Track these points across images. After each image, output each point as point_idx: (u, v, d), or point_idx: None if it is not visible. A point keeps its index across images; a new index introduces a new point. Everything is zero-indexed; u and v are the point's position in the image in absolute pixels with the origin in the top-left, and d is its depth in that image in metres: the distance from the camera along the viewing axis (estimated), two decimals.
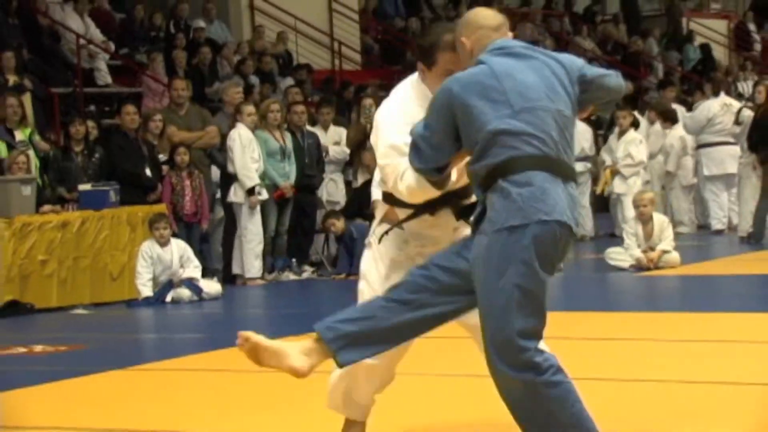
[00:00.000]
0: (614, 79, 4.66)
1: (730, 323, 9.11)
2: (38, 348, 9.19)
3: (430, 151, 4.50)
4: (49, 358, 8.78)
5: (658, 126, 17.08)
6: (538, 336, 4.50)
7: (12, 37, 16.00)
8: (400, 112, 4.85)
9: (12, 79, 14.46)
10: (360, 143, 13.98)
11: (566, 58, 4.60)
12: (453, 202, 4.85)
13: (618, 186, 15.74)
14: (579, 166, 16.27)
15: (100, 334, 10.20)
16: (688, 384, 6.73)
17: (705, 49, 26.58)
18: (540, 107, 4.38)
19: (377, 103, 15.87)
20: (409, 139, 4.58)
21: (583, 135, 16.54)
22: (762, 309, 9.88)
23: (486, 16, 4.57)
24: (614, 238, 15.58)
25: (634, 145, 15.76)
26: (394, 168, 4.75)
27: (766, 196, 14.70)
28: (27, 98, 13.53)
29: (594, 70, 4.64)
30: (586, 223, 16.64)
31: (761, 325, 8.96)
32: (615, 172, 15.79)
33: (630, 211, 13.70)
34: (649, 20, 28.00)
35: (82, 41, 16.91)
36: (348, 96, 17.55)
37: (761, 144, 14.63)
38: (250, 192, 12.99)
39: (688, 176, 16.94)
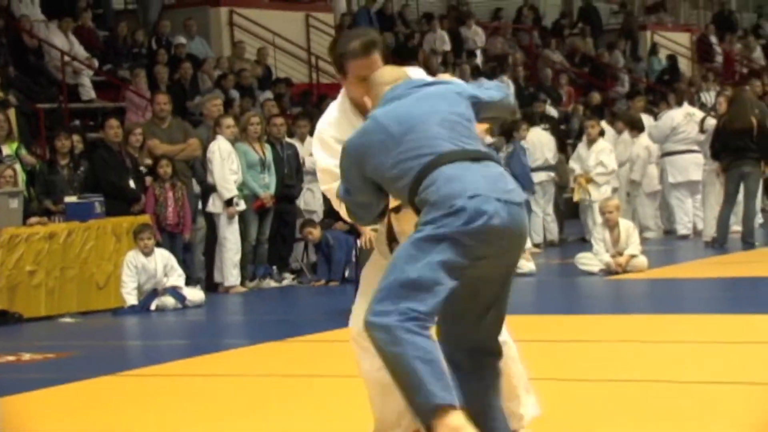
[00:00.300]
0: (503, 100, 4.82)
1: (695, 325, 9.15)
2: (27, 356, 9.16)
3: (361, 211, 4.66)
4: (37, 366, 8.75)
5: (626, 135, 17.17)
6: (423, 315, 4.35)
7: None
8: (328, 130, 4.98)
9: None
10: None
11: (455, 82, 4.82)
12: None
13: (591, 193, 15.84)
14: (542, 176, 16.36)
15: (87, 342, 10.17)
16: (656, 383, 6.75)
17: (670, 60, 26.72)
18: (419, 122, 4.47)
19: None
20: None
21: (546, 145, 16.67)
22: (726, 311, 9.94)
23: (383, 74, 4.77)
24: (585, 243, 15.64)
25: (605, 154, 15.88)
26: (331, 193, 4.88)
27: (729, 202, 14.79)
28: (12, 113, 13.50)
29: (486, 94, 4.77)
30: (553, 229, 16.75)
31: (725, 326, 9.00)
32: (588, 180, 15.87)
33: (599, 218, 13.77)
34: (611, 33, 28.06)
35: (66, 58, 16.88)
36: (325, 108, 17.49)
37: (723, 152, 14.72)
38: (229, 203, 13.00)
39: (652, 183, 17.04)
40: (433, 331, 4.36)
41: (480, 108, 4.69)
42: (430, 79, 4.81)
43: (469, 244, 4.30)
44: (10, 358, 9.11)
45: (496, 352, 4.65)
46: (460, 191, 4.31)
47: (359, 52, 4.85)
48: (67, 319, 11.63)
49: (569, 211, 17.90)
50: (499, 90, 4.84)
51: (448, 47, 22.95)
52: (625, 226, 13.07)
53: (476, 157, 4.45)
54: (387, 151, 4.46)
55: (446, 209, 4.30)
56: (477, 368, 4.60)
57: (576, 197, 16.22)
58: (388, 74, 4.78)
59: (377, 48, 4.90)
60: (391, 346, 4.23)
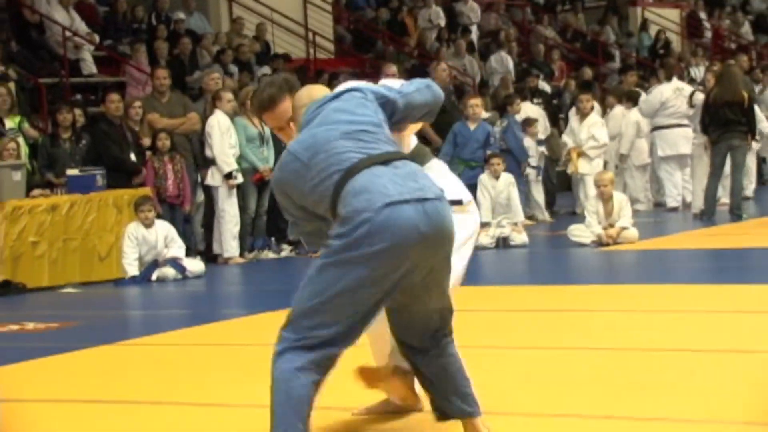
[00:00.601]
0: (424, 94, 4.74)
1: (684, 294, 9.16)
2: (30, 325, 9.17)
3: (314, 238, 4.61)
4: (41, 335, 8.77)
5: (616, 110, 17.19)
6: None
7: (0, 30, 15.91)
8: None
9: None
10: None
11: (361, 87, 4.67)
12: None
13: (582, 166, 15.83)
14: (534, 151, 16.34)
15: (89, 312, 10.18)
16: (646, 351, 6.78)
17: (660, 36, 26.67)
18: (323, 142, 4.38)
19: None
20: None
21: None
22: (713, 281, 9.96)
23: (299, 98, 4.76)
24: (575, 216, 15.66)
25: (597, 127, 15.89)
26: None
27: (715, 174, 14.79)
28: (12, 88, 13.46)
29: (403, 96, 4.68)
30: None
31: (713, 296, 9.02)
32: (580, 154, 15.86)
33: (592, 190, 13.77)
34: (599, 10, 28.00)
35: (67, 33, 16.83)
36: (322, 83, 17.49)
37: (711, 125, 14.71)
38: (228, 176, 12.99)
39: (641, 156, 17.05)
40: (327, 362, 4.31)
41: (395, 107, 4.62)
42: (336, 92, 4.66)
43: (381, 265, 4.22)
44: (14, 327, 9.12)
45: (449, 332, 4.63)
46: (366, 205, 4.21)
47: (265, 107, 4.98)
48: (70, 290, 11.63)
49: (561, 185, 17.90)
50: (419, 86, 4.75)
51: (443, 22, 22.88)
52: (619, 198, 13.07)
53: (385, 160, 4.34)
54: (303, 179, 4.38)
55: (354, 226, 4.21)
56: (436, 346, 4.60)
57: (570, 170, 16.21)
58: (303, 96, 4.75)
59: (280, 97, 4.94)
60: (274, 381, 4.30)
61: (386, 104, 4.60)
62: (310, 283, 4.35)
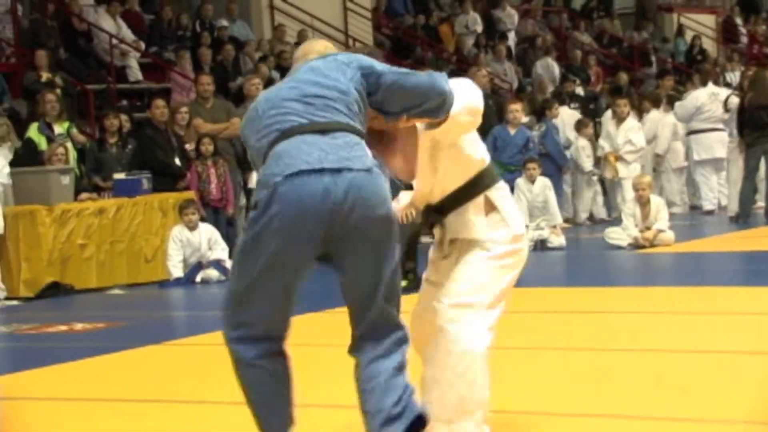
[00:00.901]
0: (420, 80, 4.23)
1: (720, 297, 9.10)
2: (78, 326, 9.23)
3: None
4: (88, 335, 8.82)
5: (652, 114, 17.13)
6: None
7: (49, 38, 16.03)
8: None
9: (45, 75, 14.51)
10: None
11: (345, 54, 4.32)
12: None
13: (620, 170, 15.76)
14: (566, 154, 16.29)
15: (135, 313, 10.23)
16: (682, 353, 6.74)
17: (695, 42, 26.54)
18: (281, 99, 4.14)
19: None
20: None
21: (569, 125, 16.61)
22: (749, 284, 9.89)
23: (299, 50, 4.52)
24: (610, 219, 15.69)
25: (634, 132, 15.81)
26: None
27: (749, 178, 14.70)
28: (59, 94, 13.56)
29: (395, 73, 4.22)
30: (580, 206, 16.71)
31: (748, 298, 8.96)
32: (617, 158, 15.78)
33: (629, 194, 13.73)
34: (629, 16, 27.90)
35: (114, 41, 16.92)
36: None
37: (746, 129, 14.62)
38: None
39: (678, 159, 17.01)
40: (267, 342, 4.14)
41: (380, 80, 4.17)
42: (327, 53, 4.34)
43: (289, 235, 3.93)
44: (63, 327, 9.18)
45: (397, 326, 4.15)
46: (278, 170, 3.96)
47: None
48: (116, 291, 11.69)
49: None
50: (419, 74, 4.28)
51: (480, 29, 22.84)
52: (656, 202, 13.03)
53: (324, 129, 4.03)
54: (253, 129, 4.18)
55: (263, 191, 3.97)
56: (371, 348, 4.11)
57: (608, 175, 16.11)
58: (301, 51, 4.50)
59: None
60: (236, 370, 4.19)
61: (370, 75, 4.18)
62: (236, 263, 4.11)
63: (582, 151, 16.12)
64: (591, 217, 16.10)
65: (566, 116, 16.73)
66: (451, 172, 4.56)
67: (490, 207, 4.59)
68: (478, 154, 4.63)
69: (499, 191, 4.64)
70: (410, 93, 4.20)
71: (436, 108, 4.27)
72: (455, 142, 4.53)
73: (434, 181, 4.57)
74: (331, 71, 4.17)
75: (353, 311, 4.12)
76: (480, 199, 4.58)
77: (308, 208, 3.91)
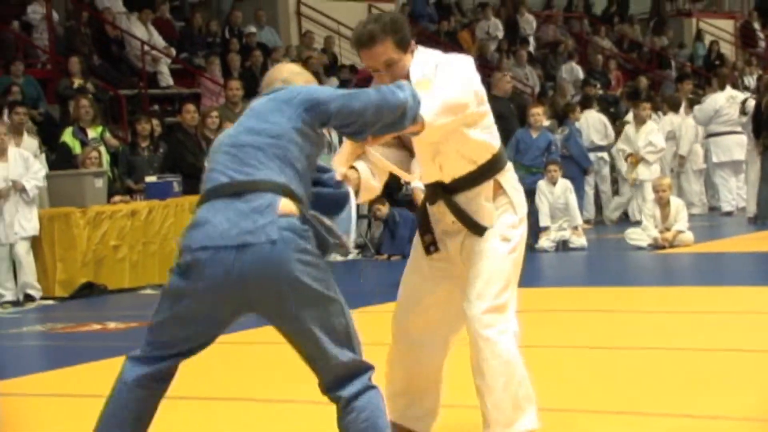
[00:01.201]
0: (365, 98, 4.02)
1: (738, 296, 9.07)
2: (111, 325, 9.26)
3: None
4: (121, 334, 8.85)
5: (671, 117, 17.13)
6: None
7: (83, 45, 16.11)
8: None
9: (77, 82, 14.59)
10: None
11: (287, 90, 4.09)
12: (441, 195, 4.59)
13: (641, 172, 15.70)
14: (592, 157, 16.24)
15: None
16: (701, 351, 6.72)
17: (714, 46, 26.44)
18: (216, 148, 4.08)
19: None
20: None
21: (593, 126, 16.60)
22: (767, 283, 9.84)
23: (265, 77, 4.33)
24: (628, 219, 15.66)
25: (654, 134, 15.77)
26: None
27: (766, 180, 14.64)
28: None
29: (338, 99, 4.00)
30: (608, 206, 16.70)
31: (767, 297, 8.92)
32: (639, 160, 15.72)
33: (650, 195, 13.72)
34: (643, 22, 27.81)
35: (146, 47, 17.00)
36: None
37: (764, 132, 14.57)
38: None
39: (698, 162, 17.01)
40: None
41: (327, 112, 3.98)
42: (275, 87, 4.17)
43: (203, 301, 3.91)
44: (97, 326, 9.21)
45: (358, 371, 4.01)
46: (190, 242, 3.92)
47: (363, 43, 4.41)
48: (149, 291, 11.73)
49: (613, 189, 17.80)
50: (367, 92, 4.04)
51: (501, 34, 22.81)
52: (675, 203, 13.00)
53: (238, 190, 3.90)
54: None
55: (183, 257, 3.96)
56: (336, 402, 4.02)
57: (630, 177, 16.05)
58: (267, 77, 4.31)
59: (381, 38, 4.37)
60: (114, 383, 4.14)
61: (315, 107, 3.99)
62: (161, 296, 4.08)
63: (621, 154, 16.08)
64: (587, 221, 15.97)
65: (591, 119, 16.70)
66: (458, 160, 4.50)
67: (498, 190, 4.57)
68: (489, 139, 4.55)
69: (507, 173, 4.62)
70: (360, 114, 4.01)
71: (396, 121, 4.07)
72: (458, 133, 4.41)
73: (437, 168, 4.53)
74: (269, 113, 4.03)
75: (310, 367, 4.03)
76: (490, 183, 4.55)
77: (212, 285, 3.87)
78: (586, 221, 15.38)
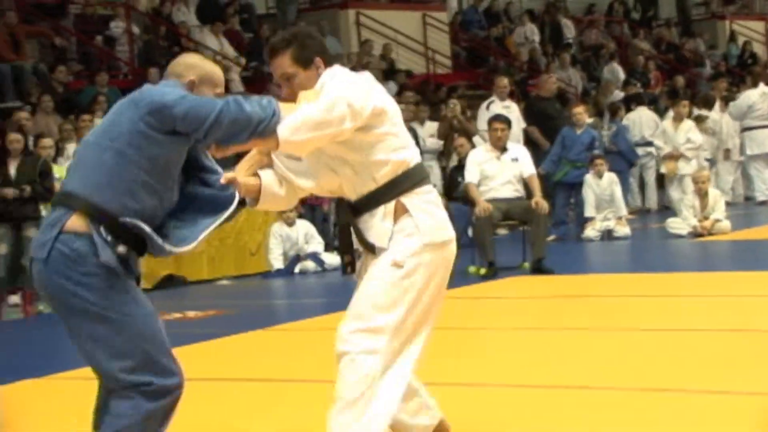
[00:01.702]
0: (209, 105, 3.66)
1: None
2: (191, 314, 9.32)
3: None
4: (200, 322, 8.91)
5: (705, 113, 17.02)
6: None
7: (161, 57, 16.25)
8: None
9: None
10: (448, 134, 14.17)
11: (140, 91, 3.79)
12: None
13: (682, 167, 15.57)
14: (640, 151, 16.12)
15: (242, 301, 10.31)
16: (738, 332, 6.66)
17: (746, 47, 26.18)
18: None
19: (461, 102, 15.95)
20: None
21: (646, 123, 16.49)
22: None
23: (167, 70, 4.06)
24: (668, 210, 15.56)
25: (693, 131, 15.63)
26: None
27: None
28: None
29: (182, 102, 3.67)
30: (651, 197, 16.56)
31: None
32: (678, 156, 15.56)
33: (690, 187, 13.65)
34: (697, 24, 27.55)
35: (218, 57, 17.11)
36: (441, 95, 17.57)
37: None
38: None
39: (735, 154, 16.88)
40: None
41: (172, 115, 3.65)
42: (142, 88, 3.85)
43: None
44: (177, 315, 9.28)
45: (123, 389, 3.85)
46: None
47: (268, 53, 4.13)
48: (225, 282, 11.81)
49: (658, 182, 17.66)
50: (217, 101, 3.68)
51: (537, 39, 22.66)
52: (714, 194, 12.93)
53: (56, 201, 3.79)
54: None
55: None
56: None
57: (669, 171, 15.90)
58: (168, 69, 4.06)
59: (280, 51, 4.05)
60: None
61: (160, 110, 3.66)
62: None
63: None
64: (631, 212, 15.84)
65: (645, 117, 16.63)
66: (356, 175, 4.00)
67: (403, 212, 3.98)
68: (394, 157, 3.99)
69: (419, 196, 4.01)
70: (203, 121, 3.64)
71: (237, 133, 3.69)
72: (353, 147, 3.94)
73: (339, 182, 4.06)
74: (117, 113, 3.76)
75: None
76: (391, 205, 3.98)
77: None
78: (632, 212, 15.28)
